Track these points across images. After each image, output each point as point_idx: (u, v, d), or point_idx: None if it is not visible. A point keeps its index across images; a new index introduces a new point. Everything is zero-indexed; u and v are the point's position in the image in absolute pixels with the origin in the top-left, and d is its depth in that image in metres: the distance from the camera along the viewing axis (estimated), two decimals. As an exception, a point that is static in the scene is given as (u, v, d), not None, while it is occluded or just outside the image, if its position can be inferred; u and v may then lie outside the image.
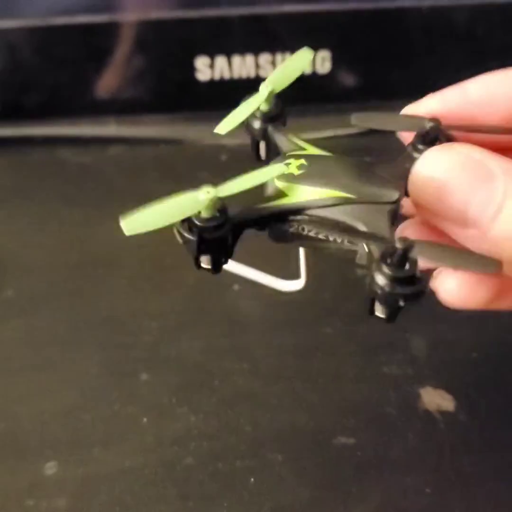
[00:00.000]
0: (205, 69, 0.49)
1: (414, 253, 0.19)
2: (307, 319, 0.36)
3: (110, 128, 0.51)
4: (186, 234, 0.20)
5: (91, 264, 0.39)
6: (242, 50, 0.48)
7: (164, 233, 0.42)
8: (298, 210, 0.22)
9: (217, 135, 0.24)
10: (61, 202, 0.45)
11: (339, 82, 0.49)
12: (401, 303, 0.19)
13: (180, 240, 0.21)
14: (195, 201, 0.20)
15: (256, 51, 0.48)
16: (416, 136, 0.23)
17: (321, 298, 0.37)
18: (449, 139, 0.23)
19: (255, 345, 0.34)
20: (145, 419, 0.31)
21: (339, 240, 0.21)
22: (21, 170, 0.48)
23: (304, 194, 0.22)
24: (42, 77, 0.49)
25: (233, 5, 0.47)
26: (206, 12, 0.48)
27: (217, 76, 0.49)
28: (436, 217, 0.21)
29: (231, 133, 0.24)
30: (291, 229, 0.22)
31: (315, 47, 0.48)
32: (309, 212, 0.22)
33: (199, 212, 0.20)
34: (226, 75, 0.49)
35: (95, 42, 0.48)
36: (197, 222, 0.20)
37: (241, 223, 0.21)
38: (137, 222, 0.20)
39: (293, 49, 0.48)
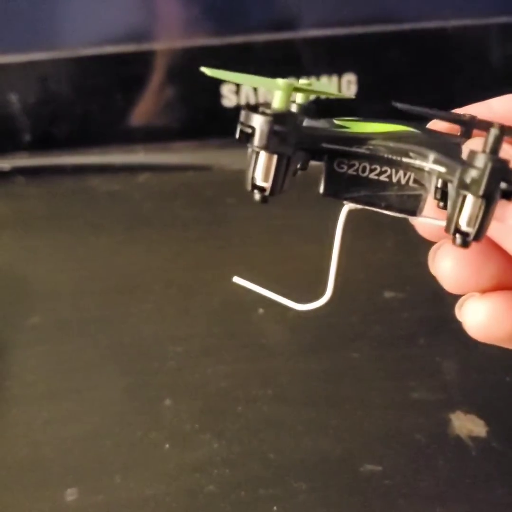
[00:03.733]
0: (231, 95, 0.49)
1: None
2: (334, 343, 0.35)
3: (138, 156, 0.51)
4: (253, 118, 0.18)
5: (117, 289, 0.39)
6: (268, 75, 0.48)
7: (189, 258, 0.42)
8: (362, 140, 0.20)
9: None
10: (89, 229, 0.45)
11: (365, 104, 0.49)
12: (503, 185, 0.17)
13: (243, 129, 0.19)
14: (273, 82, 0.20)
15: (281, 76, 0.48)
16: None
17: (348, 322, 0.36)
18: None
19: (280, 370, 0.34)
20: (167, 446, 0.30)
21: (403, 181, 0.20)
22: (52, 198, 0.49)
23: (367, 127, 0.20)
24: (71, 108, 0.50)
25: (258, 32, 0.48)
26: (232, 39, 0.48)
27: (243, 102, 0.49)
28: None
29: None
30: (350, 171, 0.20)
31: (341, 71, 0.48)
32: (373, 145, 0.20)
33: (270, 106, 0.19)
34: (252, 101, 0.49)
35: (122, 72, 0.49)
36: (265, 109, 0.19)
37: (308, 137, 0.20)
38: (219, 72, 0.20)
39: (318, 73, 0.49)
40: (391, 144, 0.20)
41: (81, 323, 0.37)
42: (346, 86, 0.48)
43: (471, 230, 0.18)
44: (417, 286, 0.39)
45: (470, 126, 0.21)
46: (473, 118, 0.22)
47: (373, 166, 0.20)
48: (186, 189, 0.49)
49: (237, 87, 0.49)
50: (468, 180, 0.18)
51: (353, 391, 0.33)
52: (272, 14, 0.49)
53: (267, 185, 0.19)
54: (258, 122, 0.18)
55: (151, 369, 0.34)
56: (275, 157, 0.19)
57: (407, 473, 0.28)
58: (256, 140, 0.18)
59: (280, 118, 0.18)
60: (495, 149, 0.18)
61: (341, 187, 0.20)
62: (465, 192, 0.18)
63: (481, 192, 0.18)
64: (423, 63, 0.49)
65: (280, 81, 0.19)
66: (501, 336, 0.22)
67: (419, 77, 0.49)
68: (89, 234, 0.45)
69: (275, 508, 0.27)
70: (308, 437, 0.30)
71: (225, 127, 0.50)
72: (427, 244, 0.23)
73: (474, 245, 0.20)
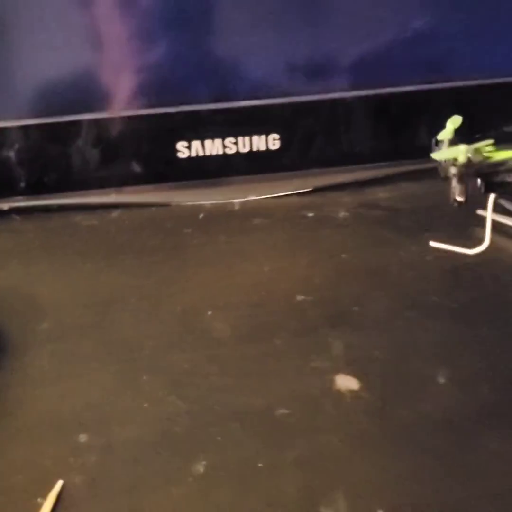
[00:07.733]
0: (184, 150, 0.61)
1: None
2: (260, 334, 0.47)
3: (111, 197, 0.61)
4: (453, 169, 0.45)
5: (103, 301, 0.48)
6: (212, 135, 0.60)
7: (156, 277, 0.53)
8: (503, 162, 0.40)
9: (434, 158, 0.49)
10: (76, 256, 0.54)
11: (287, 156, 0.61)
12: None
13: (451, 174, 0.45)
14: (459, 150, 0.44)
15: (222, 136, 0.61)
16: None
17: (270, 315, 0.48)
18: None
19: (226, 355, 0.44)
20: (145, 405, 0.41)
21: None
22: (44, 232, 0.58)
23: (503, 154, 0.42)
24: (57, 161, 0.60)
25: (204, 103, 0.60)
26: (183, 108, 0.60)
27: (193, 154, 0.61)
28: None
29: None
30: (496, 179, 0.42)
31: (268, 131, 0.61)
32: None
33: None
34: (201, 153, 0.61)
35: (95, 134, 0.60)
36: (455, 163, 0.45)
37: (477, 170, 0.44)
38: (440, 154, 0.46)
39: (250, 133, 0.62)
40: None
41: (80, 326, 0.46)
42: (272, 142, 0.60)
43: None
44: (325, 290, 0.49)
45: None
46: None
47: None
48: (151, 222, 0.58)
49: (188, 144, 0.60)
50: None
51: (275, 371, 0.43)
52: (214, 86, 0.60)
53: (463, 198, 0.43)
54: (452, 170, 0.45)
55: (132, 358, 0.43)
56: (463, 184, 0.43)
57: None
58: (454, 179, 0.45)
59: (462, 167, 0.43)
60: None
61: (494, 187, 0.42)
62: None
63: None
64: (327, 124, 0.61)
65: (462, 148, 0.45)
66: None
67: (326, 133, 0.61)
68: (77, 260, 0.53)
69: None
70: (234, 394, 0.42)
71: (180, 173, 0.63)
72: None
73: None
